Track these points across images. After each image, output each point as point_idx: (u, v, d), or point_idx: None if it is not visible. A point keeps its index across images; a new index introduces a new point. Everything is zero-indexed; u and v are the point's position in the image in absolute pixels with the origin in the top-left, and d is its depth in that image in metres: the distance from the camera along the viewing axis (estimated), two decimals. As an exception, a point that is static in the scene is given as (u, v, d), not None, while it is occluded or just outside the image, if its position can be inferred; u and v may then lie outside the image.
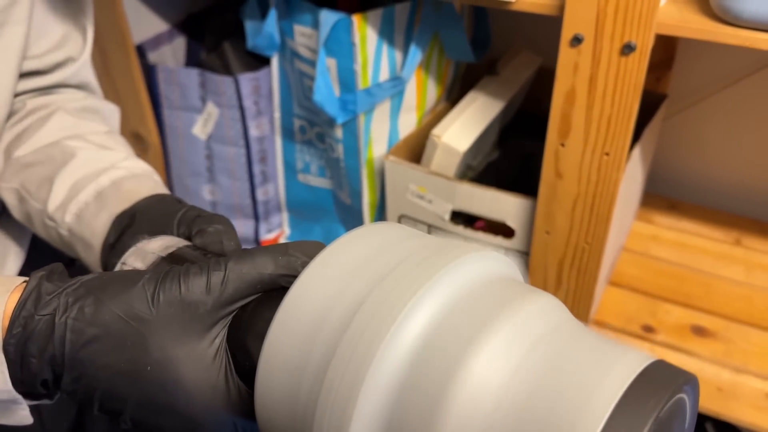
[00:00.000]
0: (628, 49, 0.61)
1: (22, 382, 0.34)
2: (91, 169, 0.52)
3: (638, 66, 0.62)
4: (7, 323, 0.33)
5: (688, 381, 0.27)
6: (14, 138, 0.56)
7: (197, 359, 0.33)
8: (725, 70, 0.94)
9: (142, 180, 0.53)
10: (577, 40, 0.63)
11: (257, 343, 0.32)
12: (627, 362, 0.26)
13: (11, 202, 0.55)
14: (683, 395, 0.27)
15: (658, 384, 0.25)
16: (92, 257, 0.50)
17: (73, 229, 0.51)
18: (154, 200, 0.49)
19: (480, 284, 0.28)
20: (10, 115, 0.57)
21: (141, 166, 0.55)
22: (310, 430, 0.27)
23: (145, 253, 0.43)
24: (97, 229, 0.49)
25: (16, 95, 0.57)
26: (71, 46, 0.60)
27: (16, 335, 0.33)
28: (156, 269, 0.36)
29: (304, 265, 0.34)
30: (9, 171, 0.55)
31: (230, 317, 0.35)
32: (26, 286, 0.34)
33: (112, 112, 0.64)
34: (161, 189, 0.52)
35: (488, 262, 0.30)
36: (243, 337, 0.34)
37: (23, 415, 0.36)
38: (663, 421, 0.26)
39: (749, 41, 0.58)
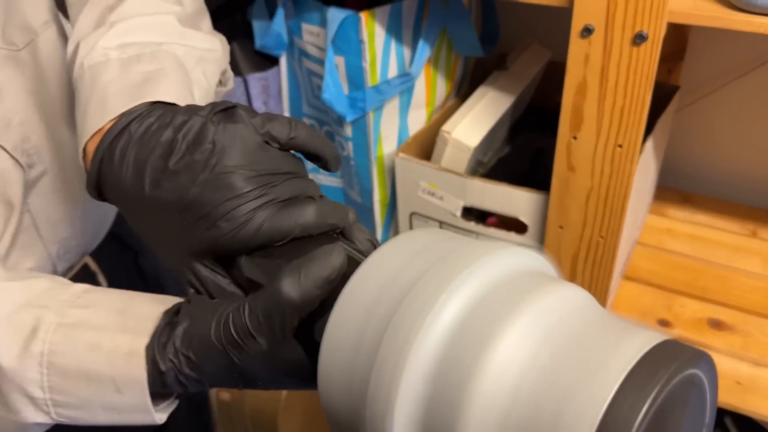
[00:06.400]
0: (639, 38, 0.60)
1: None
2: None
3: (650, 56, 0.61)
4: None
5: (699, 356, 0.28)
6: None
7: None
8: (737, 60, 0.93)
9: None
10: (587, 31, 0.62)
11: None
12: (638, 340, 0.28)
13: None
14: (696, 371, 0.28)
15: (667, 359, 0.27)
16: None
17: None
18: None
19: (510, 277, 0.32)
20: None
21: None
22: (364, 400, 0.31)
23: None
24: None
25: None
26: None
27: None
28: None
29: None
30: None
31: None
32: None
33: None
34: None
35: (519, 258, 0.33)
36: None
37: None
38: (674, 395, 0.27)
39: (763, 27, 0.57)
